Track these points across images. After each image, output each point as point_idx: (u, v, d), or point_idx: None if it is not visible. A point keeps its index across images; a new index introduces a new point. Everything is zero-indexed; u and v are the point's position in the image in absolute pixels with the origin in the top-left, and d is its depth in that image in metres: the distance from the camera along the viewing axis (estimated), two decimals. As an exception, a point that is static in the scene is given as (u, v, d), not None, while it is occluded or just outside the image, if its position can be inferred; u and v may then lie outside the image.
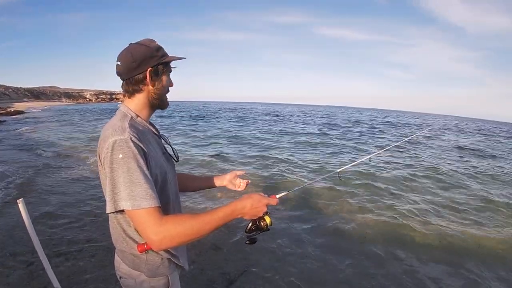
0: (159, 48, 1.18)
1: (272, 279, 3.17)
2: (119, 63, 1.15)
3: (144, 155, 1.04)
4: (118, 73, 1.17)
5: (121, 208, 0.99)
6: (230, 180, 1.61)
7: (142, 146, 1.04)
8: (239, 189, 1.62)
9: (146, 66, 1.14)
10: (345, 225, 4.59)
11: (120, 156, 0.99)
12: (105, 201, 1.04)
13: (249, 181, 1.66)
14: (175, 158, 1.37)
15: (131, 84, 1.17)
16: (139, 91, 1.18)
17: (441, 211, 5.45)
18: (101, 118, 25.47)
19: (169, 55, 1.22)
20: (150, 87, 1.18)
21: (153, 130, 1.27)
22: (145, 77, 1.15)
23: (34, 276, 2.94)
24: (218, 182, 1.62)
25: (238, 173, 1.63)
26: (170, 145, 1.37)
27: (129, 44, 1.17)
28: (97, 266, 3.23)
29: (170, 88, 1.26)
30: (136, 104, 1.20)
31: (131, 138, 1.02)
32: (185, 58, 1.26)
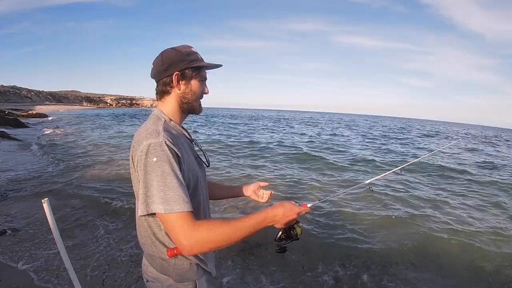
0: (191, 54, 1.18)
1: None
2: (152, 66, 1.20)
3: (178, 159, 1.04)
4: (152, 76, 1.22)
5: (154, 211, 0.98)
6: (254, 190, 1.60)
7: (176, 150, 1.04)
8: (262, 200, 1.61)
9: (173, 69, 1.15)
10: (370, 237, 4.39)
11: (154, 159, 0.99)
12: (134, 204, 1.04)
13: (273, 192, 1.65)
14: (206, 163, 1.37)
15: (160, 86, 1.20)
16: (167, 93, 1.20)
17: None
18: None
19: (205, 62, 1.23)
20: (177, 90, 1.19)
21: (186, 134, 1.27)
22: (172, 80, 1.17)
23: (56, 278, 2.98)
24: (242, 192, 1.62)
25: (262, 184, 1.63)
26: (202, 150, 1.38)
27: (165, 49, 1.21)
28: (120, 267, 3.24)
29: (204, 94, 1.27)
30: (168, 107, 1.21)
31: (165, 142, 1.02)
32: (220, 65, 1.26)
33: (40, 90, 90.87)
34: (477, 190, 7.30)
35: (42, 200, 2.37)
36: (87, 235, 4.00)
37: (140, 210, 1.01)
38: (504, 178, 8.68)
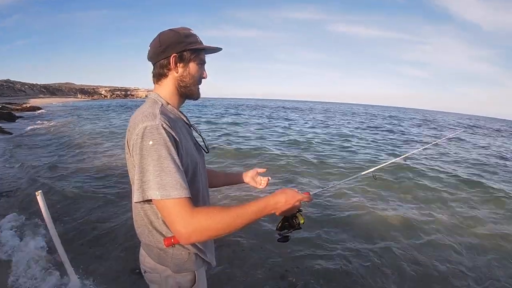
0: (189, 35, 1.14)
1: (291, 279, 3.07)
2: (149, 47, 1.16)
3: (175, 143, 1.00)
4: (148, 58, 1.17)
5: (149, 198, 0.94)
6: (252, 177, 1.59)
7: (173, 133, 1.00)
8: (260, 187, 1.60)
9: (171, 51, 1.11)
10: (373, 227, 4.35)
11: (150, 143, 0.94)
12: (129, 192, 1.00)
13: (270, 178, 1.63)
14: (205, 149, 1.33)
15: (157, 68, 1.16)
16: (164, 76, 1.16)
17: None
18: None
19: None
20: (175, 73, 1.15)
21: (184, 119, 1.23)
22: (169, 62, 1.13)
23: (51, 269, 2.93)
24: (240, 179, 1.60)
25: (260, 170, 1.61)
26: (201, 136, 1.34)
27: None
28: (117, 259, 3.23)
29: (203, 79, 1.23)
30: (165, 91, 1.17)
31: (162, 125, 0.98)
32: (220, 49, 1.22)
33: (34, 83, 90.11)
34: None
35: (36, 193, 2.36)
36: (82, 227, 3.95)
37: (135, 197, 0.97)
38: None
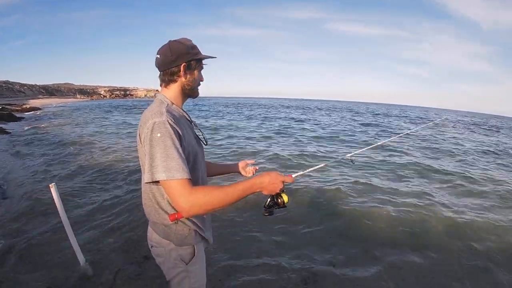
0: (194, 47, 1.38)
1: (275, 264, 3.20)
2: (158, 56, 1.36)
3: (178, 136, 1.22)
4: (157, 65, 1.39)
5: (158, 179, 1.16)
6: (242, 167, 1.85)
7: (177, 128, 1.22)
8: (249, 175, 1.84)
9: (181, 60, 1.34)
10: (352, 211, 4.61)
11: (158, 135, 1.17)
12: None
13: (257, 168, 1.89)
14: (205, 142, 1.56)
15: (167, 75, 1.37)
16: (173, 81, 1.38)
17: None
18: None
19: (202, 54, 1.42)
20: (183, 79, 1.38)
21: (186, 116, 1.45)
22: (180, 70, 1.35)
23: (62, 255, 3.11)
24: (231, 169, 1.87)
25: (249, 161, 1.88)
26: (200, 130, 1.57)
27: (169, 41, 1.37)
28: (123, 244, 3.38)
29: (201, 82, 1.46)
30: (171, 93, 1.39)
31: (168, 121, 1.20)
32: (215, 57, 1.46)
33: (33, 84, 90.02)
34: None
35: (50, 185, 2.55)
36: (90, 218, 4.14)
37: (146, 178, 1.19)
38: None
